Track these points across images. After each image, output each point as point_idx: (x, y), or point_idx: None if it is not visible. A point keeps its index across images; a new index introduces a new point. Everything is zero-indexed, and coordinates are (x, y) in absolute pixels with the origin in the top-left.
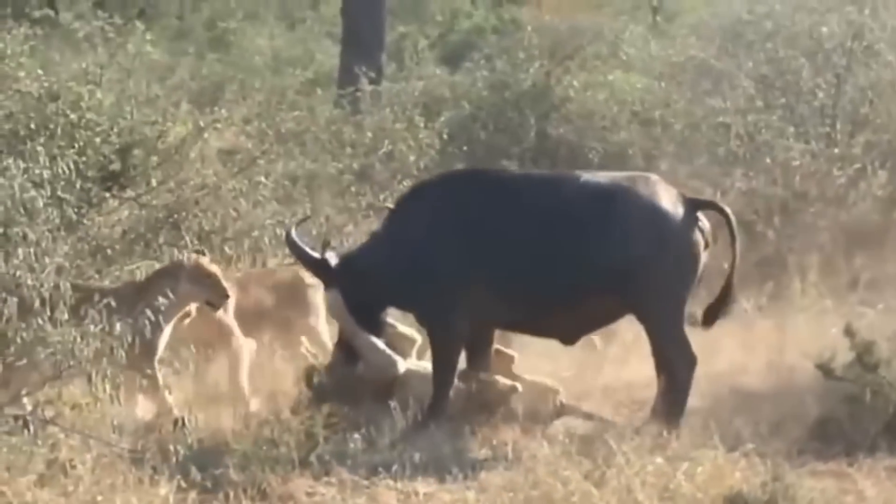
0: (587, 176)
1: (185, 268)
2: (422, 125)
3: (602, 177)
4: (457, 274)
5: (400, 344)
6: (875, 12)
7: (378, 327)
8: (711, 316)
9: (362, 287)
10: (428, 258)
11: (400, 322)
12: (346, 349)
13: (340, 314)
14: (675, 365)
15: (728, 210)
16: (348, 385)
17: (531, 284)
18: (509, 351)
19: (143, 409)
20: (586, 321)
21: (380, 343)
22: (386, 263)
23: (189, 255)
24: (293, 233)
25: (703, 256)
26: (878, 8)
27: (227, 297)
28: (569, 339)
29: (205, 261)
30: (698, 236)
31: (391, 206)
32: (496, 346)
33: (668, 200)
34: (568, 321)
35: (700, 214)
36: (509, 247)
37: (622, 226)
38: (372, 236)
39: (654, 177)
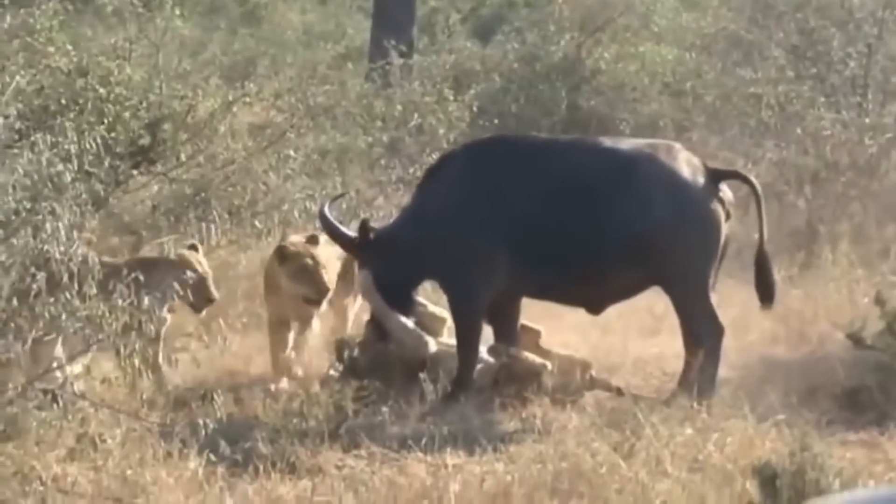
0: (610, 142)
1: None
2: (452, 98)
3: (626, 143)
4: (482, 242)
5: (431, 323)
6: None
7: (409, 306)
8: (765, 293)
9: (392, 264)
10: (454, 227)
11: (431, 302)
12: (378, 328)
13: (371, 294)
14: (702, 336)
15: (754, 180)
16: (381, 362)
17: (555, 252)
18: (536, 326)
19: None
20: (611, 290)
21: (410, 323)
22: (414, 236)
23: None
24: (326, 209)
25: (725, 227)
26: None
27: (210, 301)
28: (595, 307)
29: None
30: (719, 206)
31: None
32: (522, 321)
33: (690, 169)
34: (593, 289)
35: (723, 185)
36: (533, 214)
37: (643, 193)
38: (401, 212)
39: (676, 145)
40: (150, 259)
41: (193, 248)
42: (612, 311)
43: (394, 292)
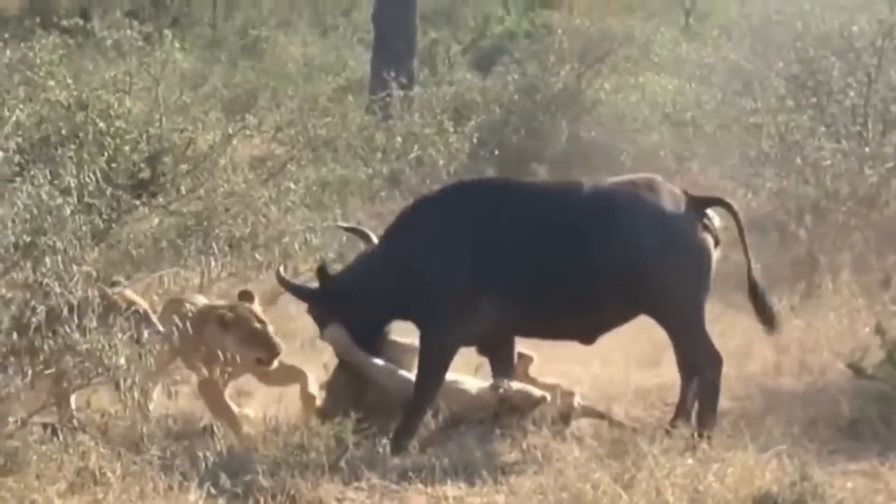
0: (592, 183)
1: None
2: (452, 130)
3: (606, 182)
4: (464, 288)
5: (412, 358)
6: None
7: (379, 345)
8: (765, 318)
9: (365, 311)
10: (435, 273)
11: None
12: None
13: (347, 348)
14: (700, 365)
15: (734, 205)
16: (354, 404)
17: (542, 294)
18: (528, 352)
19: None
20: (601, 323)
21: (390, 366)
22: (390, 282)
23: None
24: (281, 271)
25: (714, 253)
26: None
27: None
28: (587, 339)
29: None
30: (705, 234)
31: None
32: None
33: (672, 201)
34: (581, 325)
35: (708, 212)
36: (518, 257)
37: (627, 230)
38: (363, 256)
39: (657, 178)
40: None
41: (247, 296)
42: (614, 342)
43: (367, 338)
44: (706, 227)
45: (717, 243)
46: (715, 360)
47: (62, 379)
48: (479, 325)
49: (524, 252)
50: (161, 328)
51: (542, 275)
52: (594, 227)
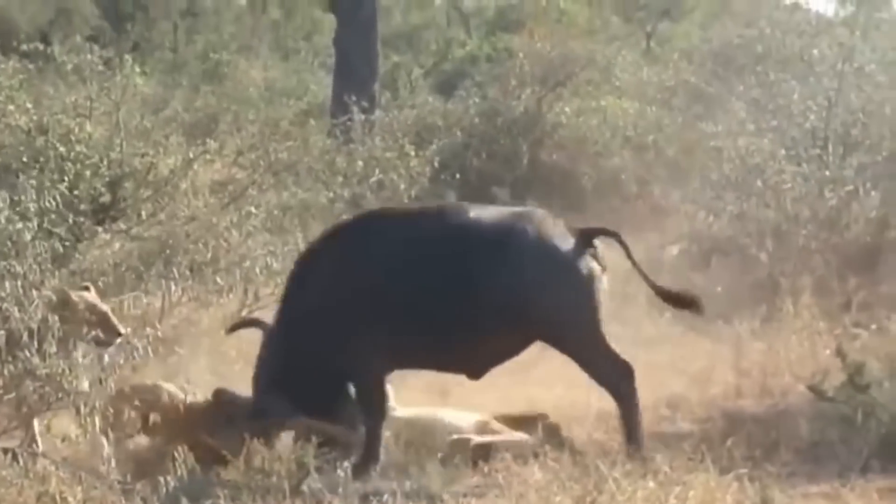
0: (477, 210)
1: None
2: (413, 154)
3: (492, 211)
4: (361, 324)
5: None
6: (865, 34)
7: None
8: (685, 303)
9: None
10: (335, 316)
11: None
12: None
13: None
14: (612, 383)
15: (618, 234)
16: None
17: (428, 324)
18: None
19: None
20: (489, 356)
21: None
22: (303, 341)
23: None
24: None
25: (600, 282)
26: (869, 30)
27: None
28: (474, 373)
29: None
30: (590, 264)
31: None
32: None
33: (557, 233)
34: (469, 358)
35: (593, 242)
36: (405, 288)
37: (513, 262)
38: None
39: (540, 211)
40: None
41: (86, 288)
42: (576, 365)
43: (321, 408)
44: (592, 257)
45: (603, 270)
46: (626, 372)
47: (22, 404)
48: (386, 357)
49: (406, 284)
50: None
51: (423, 305)
52: (478, 258)
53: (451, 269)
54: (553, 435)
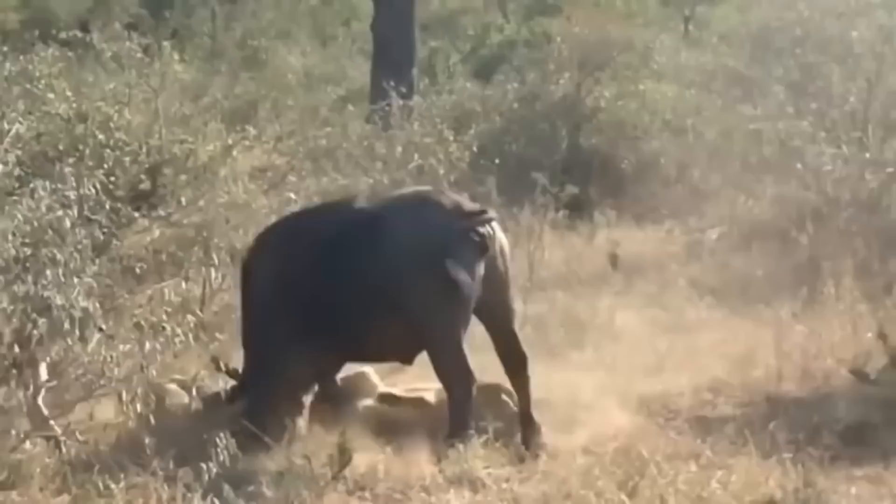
0: (364, 200)
1: None
2: (452, 139)
3: (378, 198)
4: (278, 326)
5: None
6: None
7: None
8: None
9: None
10: (260, 320)
11: None
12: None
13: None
14: (451, 382)
15: (492, 216)
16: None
17: (328, 316)
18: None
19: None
20: (400, 342)
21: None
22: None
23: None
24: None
25: (479, 265)
26: None
27: None
28: (404, 359)
29: None
30: (468, 250)
31: None
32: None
33: (435, 215)
34: (377, 345)
35: (477, 224)
36: (309, 284)
37: (386, 246)
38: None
39: (428, 191)
40: None
41: None
42: (616, 350)
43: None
44: (471, 240)
45: (482, 252)
46: (465, 379)
47: (65, 392)
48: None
49: (311, 279)
50: None
51: (326, 296)
52: (358, 246)
53: (339, 260)
54: (494, 400)
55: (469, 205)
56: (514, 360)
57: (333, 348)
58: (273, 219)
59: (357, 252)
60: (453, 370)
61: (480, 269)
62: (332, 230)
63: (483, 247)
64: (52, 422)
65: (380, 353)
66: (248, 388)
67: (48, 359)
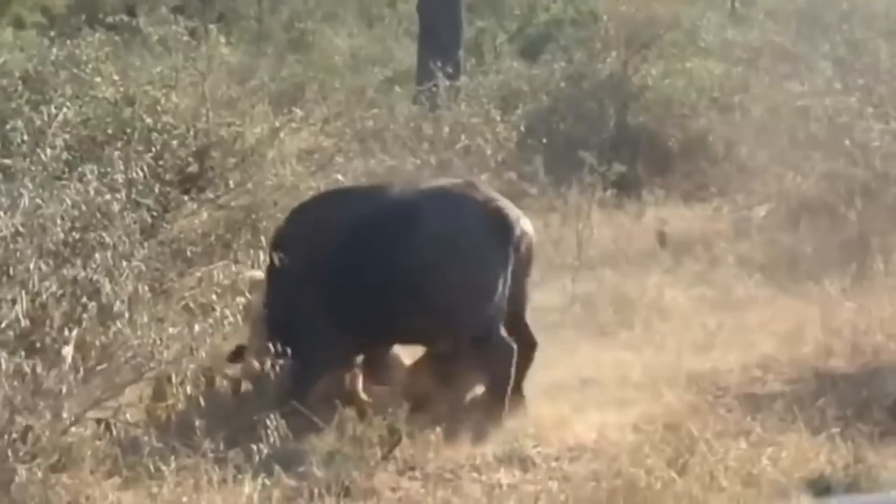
0: (400, 188)
1: None
2: (499, 119)
3: (412, 187)
4: (311, 312)
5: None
6: None
7: None
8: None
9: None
10: (289, 305)
11: None
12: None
13: None
14: (487, 364)
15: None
16: None
17: (363, 298)
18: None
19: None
20: (432, 326)
21: None
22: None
23: None
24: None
25: (508, 256)
26: None
27: None
28: (436, 343)
29: None
30: (496, 244)
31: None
32: None
33: (467, 205)
34: (412, 332)
35: (510, 219)
36: (341, 268)
37: (419, 233)
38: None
39: (461, 183)
40: None
41: None
42: (665, 328)
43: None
44: (502, 231)
45: (512, 244)
46: (504, 352)
47: (115, 374)
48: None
49: (343, 263)
50: None
51: (357, 283)
52: (391, 236)
53: (372, 248)
54: None
55: (499, 197)
56: (525, 345)
57: (370, 330)
58: None
59: (391, 237)
60: (486, 347)
61: (509, 259)
62: (368, 213)
63: (512, 238)
64: (102, 405)
65: (413, 336)
66: (287, 370)
67: (98, 342)
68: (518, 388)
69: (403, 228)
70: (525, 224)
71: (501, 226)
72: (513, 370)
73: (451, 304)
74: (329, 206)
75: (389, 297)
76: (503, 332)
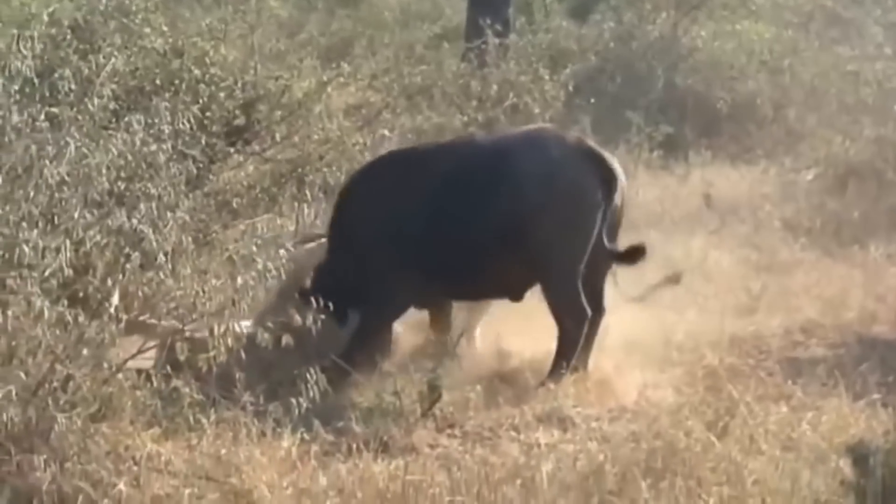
0: (483, 137)
1: None
2: (547, 77)
3: (496, 136)
4: (391, 261)
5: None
6: None
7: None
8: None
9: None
10: (368, 253)
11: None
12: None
13: None
14: (563, 313)
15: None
16: None
17: (449, 253)
18: None
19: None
20: (512, 281)
21: None
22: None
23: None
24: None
25: (603, 204)
26: None
27: None
28: (513, 296)
29: None
30: (591, 187)
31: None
32: None
33: (558, 153)
34: (492, 282)
35: (602, 163)
36: (426, 221)
37: (510, 182)
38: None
39: (548, 129)
40: None
41: None
42: (709, 290)
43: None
44: (595, 179)
45: (611, 189)
46: (579, 317)
47: (157, 325)
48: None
49: (428, 215)
50: None
51: (444, 234)
52: (482, 183)
53: (462, 193)
54: None
55: (592, 143)
56: (594, 308)
57: (443, 286)
58: (367, 156)
59: (478, 186)
60: (567, 303)
61: (604, 205)
62: (450, 165)
63: (609, 183)
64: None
65: (491, 290)
66: (352, 323)
67: (140, 293)
68: (584, 359)
69: (498, 173)
70: (619, 168)
71: (598, 165)
72: (582, 338)
73: (547, 245)
74: (410, 157)
75: (483, 245)
76: (582, 295)
